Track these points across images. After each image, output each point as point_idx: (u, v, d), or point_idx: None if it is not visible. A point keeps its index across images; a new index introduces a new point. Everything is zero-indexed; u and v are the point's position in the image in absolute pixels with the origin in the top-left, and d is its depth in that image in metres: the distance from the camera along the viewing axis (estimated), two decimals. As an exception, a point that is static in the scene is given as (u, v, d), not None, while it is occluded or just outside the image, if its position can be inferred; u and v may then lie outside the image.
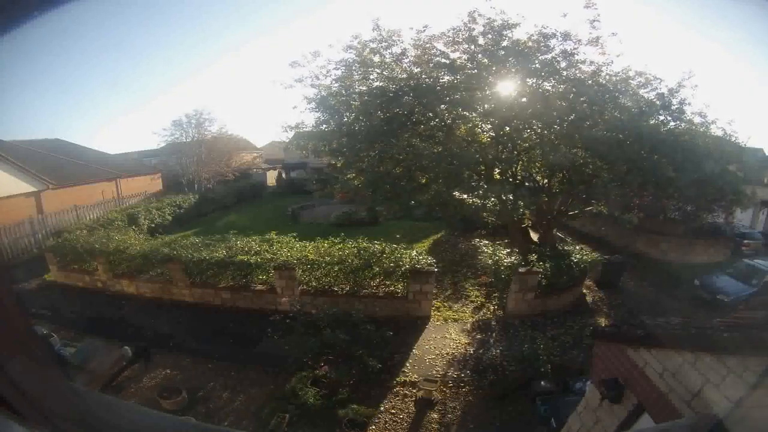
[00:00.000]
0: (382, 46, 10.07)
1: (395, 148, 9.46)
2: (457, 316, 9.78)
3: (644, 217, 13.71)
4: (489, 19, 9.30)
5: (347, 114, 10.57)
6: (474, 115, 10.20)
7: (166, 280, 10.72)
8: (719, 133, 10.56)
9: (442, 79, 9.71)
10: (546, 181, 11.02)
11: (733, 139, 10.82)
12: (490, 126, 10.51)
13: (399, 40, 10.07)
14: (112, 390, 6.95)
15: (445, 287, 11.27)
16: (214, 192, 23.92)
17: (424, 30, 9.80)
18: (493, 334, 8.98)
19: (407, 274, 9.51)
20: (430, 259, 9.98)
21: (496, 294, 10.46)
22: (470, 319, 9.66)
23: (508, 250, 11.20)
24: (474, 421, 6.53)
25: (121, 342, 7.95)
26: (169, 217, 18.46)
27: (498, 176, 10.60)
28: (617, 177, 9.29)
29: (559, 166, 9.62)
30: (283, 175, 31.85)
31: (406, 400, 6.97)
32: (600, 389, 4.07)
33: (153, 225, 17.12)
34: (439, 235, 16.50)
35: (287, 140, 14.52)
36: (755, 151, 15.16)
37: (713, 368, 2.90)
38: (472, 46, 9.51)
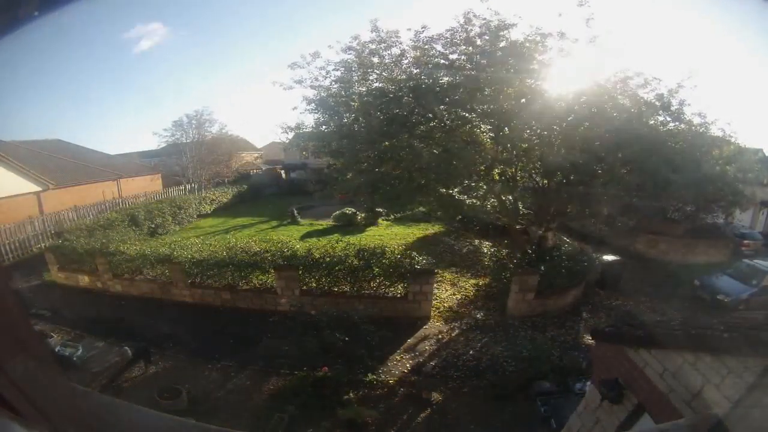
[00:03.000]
0: (381, 47, 10.06)
1: (395, 149, 9.46)
2: (457, 317, 9.78)
3: (644, 218, 13.73)
4: (485, 20, 9.29)
5: (347, 115, 10.57)
6: (473, 115, 10.20)
7: (166, 280, 10.73)
8: (719, 133, 10.56)
9: (440, 80, 9.70)
10: (545, 181, 11.01)
11: (733, 139, 10.82)
12: (489, 127, 10.50)
13: (398, 42, 10.07)
14: (112, 390, 6.94)
15: (445, 288, 11.28)
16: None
17: (423, 31, 9.80)
18: (493, 335, 8.98)
19: (407, 274, 9.51)
20: (430, 260, 9.99)
21: (496, 294, 10.46)
22: (470, 320, 9.66)
23: (508, 251, 11.20)
24: (474, 421, 6.53)
25: (121, 342, 7.95)
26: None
27: (497, 177, 10.60)
28: (616, 178, 9.28)
29: (558, 167, 9.61)
30: (284, 176, 31.82)
31: (406, 400, 6.97)
32: (600, 389, 4.06)
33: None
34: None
35: (287, 141, 14.53)
36: (755, 151, 15.15)
37: (713, 368, 2.90)
38: (470, 47, 9.50)
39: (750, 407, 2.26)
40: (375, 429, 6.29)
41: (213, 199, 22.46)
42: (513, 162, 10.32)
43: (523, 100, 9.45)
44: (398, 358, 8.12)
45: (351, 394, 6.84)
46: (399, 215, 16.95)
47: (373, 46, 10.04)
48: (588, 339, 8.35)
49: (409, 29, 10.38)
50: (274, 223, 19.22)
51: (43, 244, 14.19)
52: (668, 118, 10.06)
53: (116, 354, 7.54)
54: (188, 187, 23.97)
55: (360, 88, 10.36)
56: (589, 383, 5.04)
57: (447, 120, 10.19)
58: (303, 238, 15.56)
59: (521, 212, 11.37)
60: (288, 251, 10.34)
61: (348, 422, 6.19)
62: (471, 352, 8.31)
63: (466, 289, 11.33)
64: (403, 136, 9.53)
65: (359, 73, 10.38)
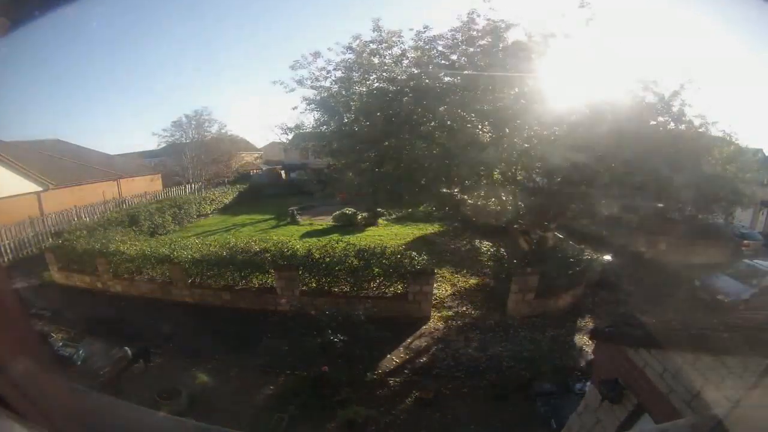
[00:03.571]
0: (382, 47, 10.07)
1: (395, 149, 9.46)
2: (456, 317, 9.78)
3: (644, 217, 13.74)
4: (488, 20, 9.31)
5: (347, 115, 10.57)
6: (473, 116, 10.20)
7: (166, 280, 10.72)
8: (719, 133, 10.57)
9: (441, 80, 9.70)
10: (545, 181, 11.02)
11: (733, 139, 10.83)
12: (489, 127, 10.50)
13: (399, 42, 10.07)
14: (112, 390, 6.93)
15: (444, 288, 11.28)
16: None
17: (424, 31, 9.82)
18: (493, 335, 8.98)
19: (407, 274, 9.51)
20: (430, 260, 9.99)
21: (496, 294, 10.46)
22: (470, 320, 9.65)
23: (508, 251, 11.19)
24: (474, 420, 6.53)
25: (121, 342, 7.94)
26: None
27: (498, 177, 10.60)
28: (616, 178, 9.28)
29: (558, 168, 9.62)
30: (283, 176, 31.85)
31: (406, 400, 6.97)
32: (600, 390, 4.07)
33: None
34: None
35: (287, 141, 14.53)
36: (755, 151, 15.16)
37: (713, 368, 2.90)
38: (471, 48, 9.51)
39: (750, 407, 2.26)
40: (375, 429, 6.29)
41: (213, 199, 22.51)
42: (513, 162, 10.32)
43: (524, 100, 9.45)
44: (398, 358, 8.12)
45: (351, 394, 6.84)
46: (398, 215, 16.96)
47: (374, 47, 10.04)
48: (587, 339, 8.35)
49: (411, 29, 10.39)
50: (274, 222, 19.26)
51: (43, 244, 14.18)
52: (669, 119, 10.06)
53: (116, 354, 7.54)
54: (188, 187, 24.00)
55: (360, 88, 10.36)
56: (589, 383, 5.06)
57: (447, 120, 10.19)
58: (302, 237, 15.57)
59: (521, 212, 11.37)
60: (288, 251, 10.33)
61: (348, 422, 6.18)
62: (471, 352, 8.31)
63: (465, 289, 11.33)
64: (404, 136, 9.53)
65: (359, 73, 10.38)
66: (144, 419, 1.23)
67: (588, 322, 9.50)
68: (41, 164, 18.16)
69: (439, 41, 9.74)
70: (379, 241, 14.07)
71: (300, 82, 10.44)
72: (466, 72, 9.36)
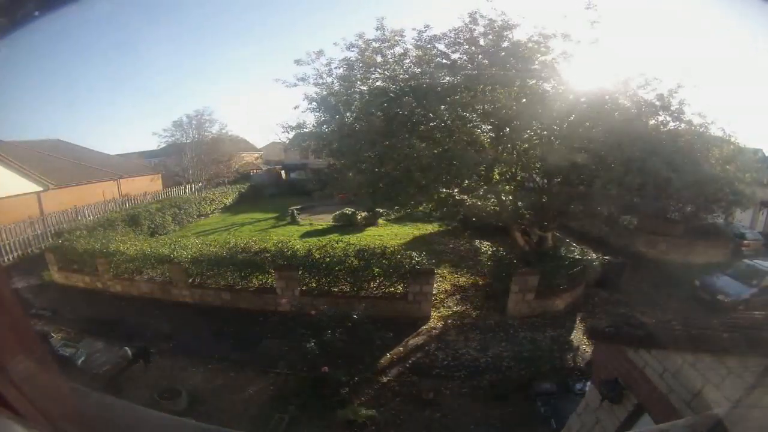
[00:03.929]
0: (384, 46, 10.06)
1: (395, 149, 9.46)
2: (456, 317, 9.78)
3: (644, 217, 13.74)
4: (490, 20, 9.30)
5: (348, 114, 10.57)
6: (474, 116, 10.20)
7: (166, 280, 10.72)
8: (719, 133, 10.56)
9: (442, 80, 9.70)
10: (545, 181, 11.03)
11: (733, 139, 10.82)
12: (489, 127, 10.50)
13: (402, 40, 10.08)
14: (112, 390, 6.93)
15: (444, 288, 11.28)
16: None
17: (426, 30, 9.82)
18: (493, 335, 8.98)
19: (407, 275, 9.51)
20: (430, 260, 9.98)
21: (496, 294, 10.46)
22: (470, 320, 9.65)
23: (508, 251, 11.20)
24: (474, 421, 6.53)
25: (121, 342, 7.94)
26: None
27: (498, 177, 10.60)
28: (616, 178, 9.28)
29: (559, 167, 9.62)
30: (283, 176, 31.83)
31: (406, 400, 6.97)
32: (600, 390, 4.07)
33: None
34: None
35: (287, 141, 14.54)
36: (755, 151, 15.12)
37: (713, 368, 2.90)
38: (473, 47, 9.51)
39: (750, 407, 2.26)
40: (374, 429, 6.29)
41: (213, 200, 22.51)
42: (513, 162, 10.32)
43: (524, 100, 9.46)
44: (398, 358, 8.11)
45: (351, 394, 6.84)
46: (398, 215, 16.96)
47: (377, 45, 10.04)
48: (587, 340, 8.35)
49: (414, 29, 10.37)
50: (274, 222, 19.27)
51: (43, 244, 14.18)
52: (668, 118, 10.06)
53: (116, 354, 7.53)
54: (188, 187, 24.00)
55: (362, 87, 10.37)
56: (589, 383, 5.06)
57: (448, 120, 10.19)
58: (302, 237, 15.57)
59: (521, 212, 11.37)
60: (288, 251, 10.33)
61: (347, 422, 6.19)
62: (471, 352, 8.31)
63: (465, 288, 11.33)
64: (404, 135, 9.53)
65: (361, 72, 10.38)
66: (144, 419, 1.23)
67: (588, 322, 9.49)
68: (41, 164, 18.15)
69: (440, 40, 9.75)
70: (378, 241, 14.08)
71: (303, 79, 10.44)
72: (467, 72, 9.36)
